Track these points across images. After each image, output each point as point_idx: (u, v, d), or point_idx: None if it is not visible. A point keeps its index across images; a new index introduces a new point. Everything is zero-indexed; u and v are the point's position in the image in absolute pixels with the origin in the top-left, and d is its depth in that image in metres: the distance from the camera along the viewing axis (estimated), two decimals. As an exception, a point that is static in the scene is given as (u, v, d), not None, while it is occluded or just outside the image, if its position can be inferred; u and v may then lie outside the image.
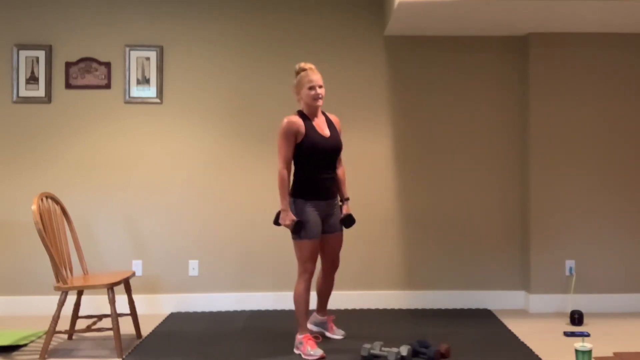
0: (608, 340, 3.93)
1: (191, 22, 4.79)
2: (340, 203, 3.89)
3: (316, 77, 3.65)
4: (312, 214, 3.65)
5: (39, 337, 4.08)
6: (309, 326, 3.84)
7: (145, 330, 4.23)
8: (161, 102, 4.77)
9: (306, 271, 3.64)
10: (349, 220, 3.83)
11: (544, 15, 4.25)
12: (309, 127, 3.65)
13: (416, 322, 4.36)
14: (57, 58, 4.74)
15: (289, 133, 3.60)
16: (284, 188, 3.61)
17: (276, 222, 3.68)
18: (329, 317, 3.97)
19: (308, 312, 3.70)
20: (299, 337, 3.67)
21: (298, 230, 3.60)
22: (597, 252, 4.71)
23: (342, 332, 3.97)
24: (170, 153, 4.77)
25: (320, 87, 3.66)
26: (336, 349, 3.76)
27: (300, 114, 3.70)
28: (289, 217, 3.60)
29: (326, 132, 3.73)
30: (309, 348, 3.58)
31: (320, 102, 3.67)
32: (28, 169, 4.72)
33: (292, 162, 3.70)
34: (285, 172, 3.61)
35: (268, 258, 4.79)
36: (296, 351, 3.68)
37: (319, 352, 3.57)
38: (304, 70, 3.69)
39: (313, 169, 3.67)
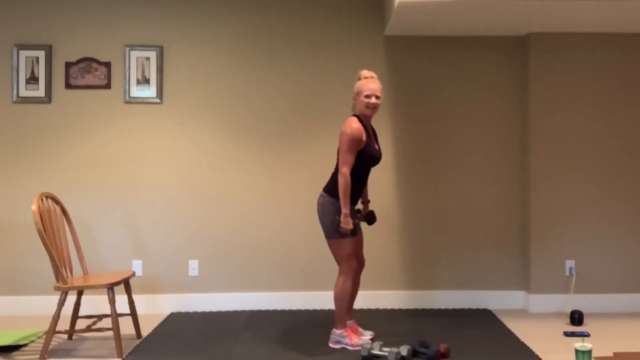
0: (608, 340, 3.93)
1: (191, 22, 4.79)
2: (362, 204, 4.07)
3: (374, 87, 3.71)
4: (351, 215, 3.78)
5: (39, 337, 4.09)
6: (334, 338, 3.86)
7: (145, 330, 4.23)
8: (161, 102, 4.77)
9: (351, 268, 3.76)
10: (372, 217, 3.98)
11: (544, 15, 4.25)
12: (368, 137, 3.73)
13: (416, 322, 4.36)
14: (57, 58, 4.74)
15: (357, 140, 3.65)
16: (348, 194, 3.64)
17: (337, 230, 3.67)
18: (353, 321, 3.97)
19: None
20: (338, 331, 3.79)
21: (355, 232, 3.70)
22: (597, 252, 4.71)
23: (371, 333, 4.00)
24: (170, 153, 4.77)
25: (377, 97, 3.71)
26: (336, 349, 3.77)
27: (359, 119, 3.73)
28: (351, 221, 3.67)
29: (375, 144, 3.84)
30: (356, 339, 3.78)
31: (373, 112, 3.74)
32: (28, 169, 4.72)
33: (338, 167, 3.75)
34: (349, 177, 3.64)
35: (268, 258, 4.79)
36: (335, 346, 3.80)
37: (366, 338, 3.86)
38: (365, 78, 3.74)
39: (360, 176, 3.76)
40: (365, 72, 3.76)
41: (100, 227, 4.73)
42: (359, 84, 3.74)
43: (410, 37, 4.84)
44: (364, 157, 3.71)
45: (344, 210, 3.63)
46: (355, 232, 3.70)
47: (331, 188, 3.74)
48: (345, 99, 4.80)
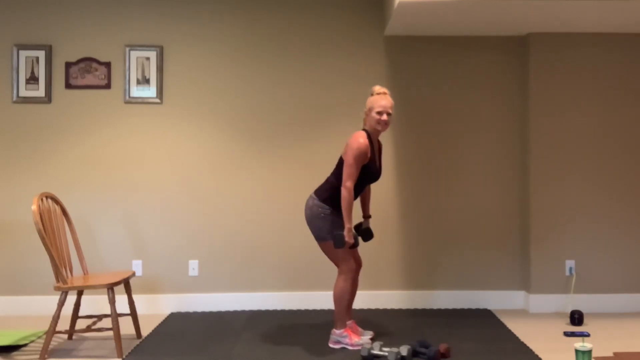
0: (608, 340, 3.93)
1: (191, 22, 4.79)
2: (362, 219, 4.08)
3: (386, 103, 3.70)
4: (339, 218, 3.80)
5: (39, 337, 4.09)
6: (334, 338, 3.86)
7: (145, 330, 4.23)
8: (161, 102, 4.77)
9: (351, 268, 3.77)
10: (369, 234, 3.96)
11: (544, 15, 4.25)
12: (372, 153, 3.75)
13: (416, 322, 4.36)
14: (57, 58, 4.74)
15: (363, 155, 3.65)
16: (351, 208, 3.66)
17: (342, 244, 3.65)
18: (353, 321, 3.97)
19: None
20: (338, 331, 3.79)
21: (355, 245, 3.70)
22: (597, 252, 4.71)
23: (371, 333, 3.99)
24: (170, 153, 4.77)
25: (388, 114, 3.71)
26: (336, 348, 3.77)
27: (367, 134, 3.72)
28: (353, 235, 3.68)
29: (377, 162, 3.84)
30: (356, 339, 3.78)
31: (384, 128, 3.73)
32: (28, 169, 4.72)
33: (336, 174, 3.77)
34: (353, 191, 3.65)
35: (268, 258, 4.79)
36: (335, 346, 3.81)
37: (365, 338, 3.84)
38: (378, 94, 3.74)
39: (355, 189, 3.76)
40: (377, 88, 3.76)
41: (100, 227, 4.73)
42: (371, 100, 3.73)
43: (410, 37, 4.84)
44: (363, 173, 3.72)
45: (347, 225, 3.63)
46: (356, 245, 3.70)
47: (322, 192, 3.77)
48: (345, 99, 4.80)
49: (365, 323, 4.33)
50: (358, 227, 4.00)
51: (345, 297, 3.76)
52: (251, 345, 3.84)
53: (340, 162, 3.75)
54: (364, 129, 3.76)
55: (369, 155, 3.68)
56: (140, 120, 4.77)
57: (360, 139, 3.64)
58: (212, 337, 4.03)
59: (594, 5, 4.03)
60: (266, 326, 4.29)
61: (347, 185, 3.63)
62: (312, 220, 3.75)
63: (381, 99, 3.70)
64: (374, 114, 3.70)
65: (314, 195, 3.79)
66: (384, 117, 3.69)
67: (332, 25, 4.82)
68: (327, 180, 3.80)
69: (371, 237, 3.99)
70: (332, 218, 3.72)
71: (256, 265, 4.79)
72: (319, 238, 3.76)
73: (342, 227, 3.74)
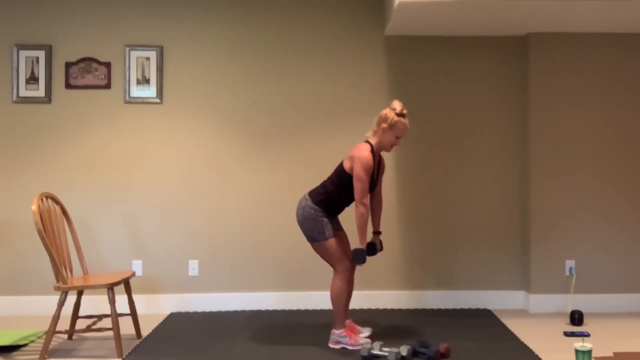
0: (608, 340, 3.93)
1: (191, 22, 4.79)
2: (372, 234, 4.01)
3: (404, 129, 3.71)
4: (330, 220, 3.81)
5: (39, 337, 4.09)
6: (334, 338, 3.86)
7: (145, 330, 4.23)
8: (161, 102, 4.77)
9: (346, 268, 3.77)
10: (373, 250, 3.90)
11: (544, 15, 4.25)
12: (373, 169, 3.77)
13: (416, 322, 4.36)
14: (57, 58, 4.74)
15: (370, 170, 3.66)
16: (366, 227, 3.66)
17: (361, 260, 3.65)
18: (350, 320, 3.97)
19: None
20: (337, 332, 3.79)
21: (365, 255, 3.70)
22: (597, 252, 4.71)
23: (369, 329, 4.00)
24: (170, 153, 4.77)
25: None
26: (336, 349, 3.77)
27: (371, 147, 3.72)
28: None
29: (374, 175, 3.83)
30: (356, 339, 3.77)
31: (390, 149, 3.78)
32: (28, 169, 4.72)
33: (333, 180, 3.78)
34: (368, 208, 3.65)
35: (268, 258, 4.79)
36: (335, 346, 3.80)
37: (365, 335, 3.88)
38: (403, 116, 3.70)
39: (347, 197, 3.78)
40: (399, 107, 3.69)
41: (100, 227, 4.73)
42: (395, 121, 3.67)
43: (410, 37, 4.84)
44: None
45: (360, 245, 3.65)
46: (361, 261, 3.69)
47: (316, 195, 3.79)
48: (345, 99, 4.80)
49: (365, 323, 4.33)
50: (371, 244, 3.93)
51: (343, 296, 3.76)
52: (251, 345, 3.84)
53: (340, 171, 3.75)
54: (367, 142, 3.75)
55: (372, 170, 3.70)
56: (140, 120, 4.77)
57: (366, 153, 3.64)
58: (212, 337, 4.03)
59: (594, 5, 4.03)
60: (266, 326, 4.29)
61: (365, 202, 3.63)
62: (304, 221, 3.76)
63: (404, 125, 3.69)
64: (392, 137, 3.70)
65: (307, 197, 3.80)
66: (399, 142, 3.76)
67: (331, 25, 4.82)
68: (323, 185, 3.82)
69: (374, 253, 3.90)
70: (324, 220, 3.74)
71: (256, 265, 4.79)
72: (311, 239, 3.77)
73: (334, 228, 3.79)
